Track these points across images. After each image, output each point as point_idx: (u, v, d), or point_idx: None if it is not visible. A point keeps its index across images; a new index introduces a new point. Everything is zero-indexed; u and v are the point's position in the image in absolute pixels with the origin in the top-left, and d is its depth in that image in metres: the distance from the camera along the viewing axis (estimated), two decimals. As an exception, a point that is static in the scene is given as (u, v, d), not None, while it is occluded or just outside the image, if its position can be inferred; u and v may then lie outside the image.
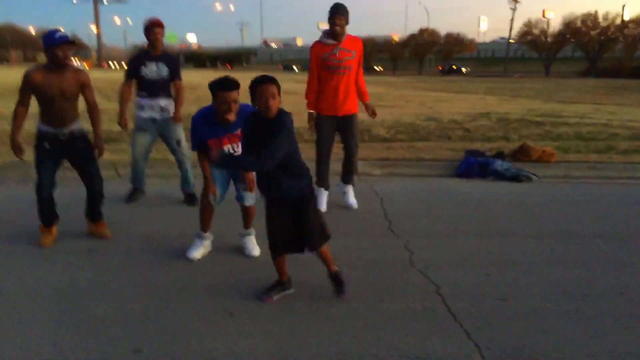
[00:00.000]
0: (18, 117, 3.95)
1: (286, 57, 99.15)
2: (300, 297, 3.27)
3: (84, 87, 4.04)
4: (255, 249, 3.97)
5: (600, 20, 60.10)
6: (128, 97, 5.18)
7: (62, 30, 3.92)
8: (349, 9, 4.77)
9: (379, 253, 4.03)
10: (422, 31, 74.81)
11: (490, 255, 4.01)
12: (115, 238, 4.27)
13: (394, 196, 5.79)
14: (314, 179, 4.09)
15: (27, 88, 3.87)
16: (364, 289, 3.39)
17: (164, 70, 5.05)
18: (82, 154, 4.16)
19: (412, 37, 75.14)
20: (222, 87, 3.34)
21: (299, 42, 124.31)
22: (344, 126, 5.02)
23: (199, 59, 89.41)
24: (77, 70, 4.06)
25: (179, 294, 3.29)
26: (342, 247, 4.08)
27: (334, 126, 5.02)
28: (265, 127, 2.89)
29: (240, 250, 3.98)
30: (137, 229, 4.53)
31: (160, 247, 4.10)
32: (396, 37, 79.62)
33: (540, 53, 64.12)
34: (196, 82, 16.46)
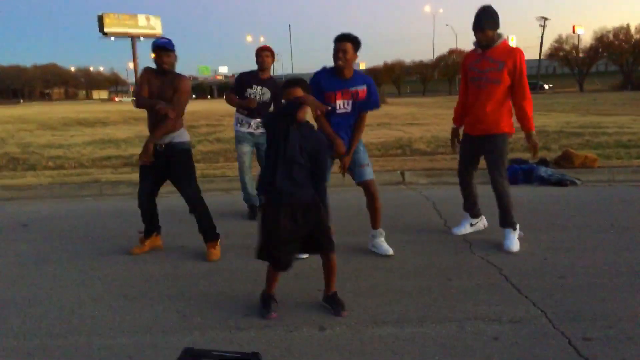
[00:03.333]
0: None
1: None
2: (375, 276, 3.66)
3: (175, 90, 4.09)
4: (390, 249, 4.17)
5: (633, 32, 59.40)
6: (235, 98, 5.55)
7: (165, 39, 4.16)
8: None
9: (440, 244, 4.41)
10: (451, 52, 75.25)
11: (544, 244, 4.32)
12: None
13: (445, 200, 6.13)
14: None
15: (143, 81, 4.13)
16: (432, 271, 3.78)
17: (267, 95, 5.44)
18: (176, 170, 4.20)
19: (441, 58, 75.59)
20: (336, 39, 3.91)
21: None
22: (481, 149, 4.41)
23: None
24: (178, 76, 4.15)
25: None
26: (405, 241, 4.48)
27: (472, 147, 4.48)
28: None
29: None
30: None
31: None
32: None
33: (572, 69, 63.57)
34: (233, 110, 17.17)
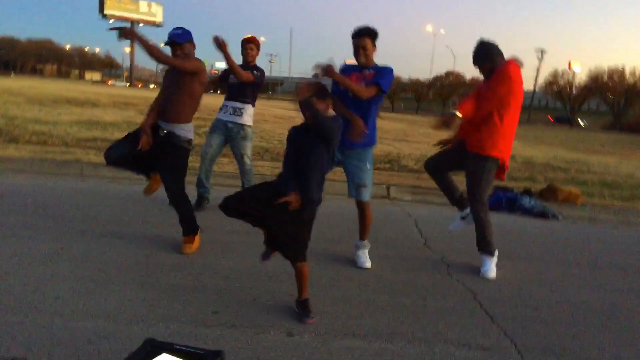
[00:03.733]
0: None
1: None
2: (349, 287, 3.62)
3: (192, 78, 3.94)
4: (368, 262, 4.12)
5: (627, 75, 60.49)
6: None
7: (178, 29, 3.94)
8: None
9: (418, 263, 4.38)
10: (448, 74, 75.89)
11: (522, 274, 4.31)
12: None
13: (427, 219, 6.11)
14: None
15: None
16: (407, 288, 3.74)
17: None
18: (167, 161, 3.99)
19: (438, 78, 76.19)
20: (354, 35, 3.87)
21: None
22: (468, 165, 4.29)
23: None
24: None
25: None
26: (383, 255, 4.45)
27: (461, 154, 4.31)
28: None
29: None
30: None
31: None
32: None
33: (564, 104, 64.47)
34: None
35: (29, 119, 13.06)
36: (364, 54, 3.84)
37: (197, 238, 4.18)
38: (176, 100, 3.95)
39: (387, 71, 3.91)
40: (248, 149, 5.59)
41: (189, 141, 4.07)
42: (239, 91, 5.45)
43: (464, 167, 4.31)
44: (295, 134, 3.07)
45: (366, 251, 4.20)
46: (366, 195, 4.06)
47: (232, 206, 3.07)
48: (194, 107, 4.08)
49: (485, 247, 4.25)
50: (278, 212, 2.94)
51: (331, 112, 3.07)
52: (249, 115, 5.53)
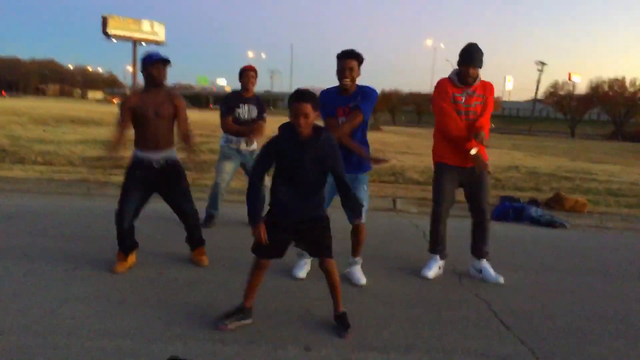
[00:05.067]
0: (118, 132, 3.92)
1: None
2: (363, 301, 3.62)
3: (177, 111, 4.00)
4: (363, 278, 4.07)
5: (628, 85, 60.60)
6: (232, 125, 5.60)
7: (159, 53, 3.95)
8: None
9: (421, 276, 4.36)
10: (448, 87, 76.00)
11: (534, 284, 4.31)
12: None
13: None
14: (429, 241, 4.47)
15: (125, 111, 3.87)
16: (421, 301, 3.74)
17: (254, 112, 5.59)
18: (175, 186, 4.08)
19: (438, 92, 76.37)
20: (340, 56, 3.84)
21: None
22: (472, 179, 4.30)
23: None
24: (173, 93, 4.07)
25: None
26: (394, 268, 4.45)
27: (460, 178, 4.34)
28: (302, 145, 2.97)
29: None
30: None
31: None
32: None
33: (565, 114, 64.57)
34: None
35: (34, 139, 13.16)
36: (350, 76, 3.82)
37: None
38: (167, 129, 4.02)
39: (371, 95, 3.93)
40: None
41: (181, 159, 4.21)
42: (249, 126, 5.58)
43: (466, 189, 4.38)
44: (288, 148, 2.97)
45: (359, 267, 4.17)
46: (363, 216, 4.02)
47: (266, 254, 3.14)
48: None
49: (483, 251, 4.41)
50: (307, 230, 3.09)
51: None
52: (256, 142, 5.73)
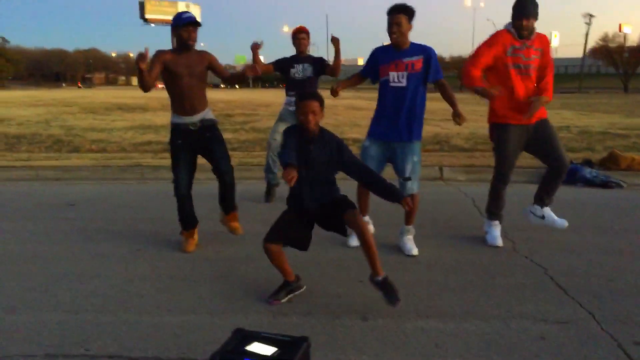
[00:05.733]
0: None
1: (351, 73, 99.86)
2: (417, 270, 3.65)
3: (211, 64, 4.06)
4: (414, 248, 4.03)
5: (684, 33, 57.09)
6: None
7: (190, 13, 3.99)
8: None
9: (482, 242, 4.34)
10: (490, 48, 73.59)
11: (590, 246, 4.23)
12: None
13: (484, 197, 6.00)
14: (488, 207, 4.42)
15: (156, 60, 3.89)
16: (474, 268, 3.74)
17: (309, 70, 5.54)
18: (212, 144, 4.09)
19: (480, 54, 74.12)
20: (389, 12, 3.83)
21: (360, 62, 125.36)
22: (537, 136, 4.12)
23: (269, 79, 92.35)
24: (202, 52, 4.09)
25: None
26: (445, 236, 4.47)
27: (526, 137, 4.16)
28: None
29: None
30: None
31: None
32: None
33: (617, 68, 61.62)
34: (269, 100, 17.20)
35: (86, 128, 13.65)
36: (398, 31, 3.78)
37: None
38: (200, 90, 4.08)
39: (433, 60, 3.90)
40: None
41: (217, 120, 4.27)
42: (306, 86, 5.51)
43: (535, 147, 4.19)
44: (299, 146, 3.00)
45: (412, 237, 4.14)
46: (412, 187, 4.00)
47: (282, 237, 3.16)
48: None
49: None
50: (328, 211, 3.11)
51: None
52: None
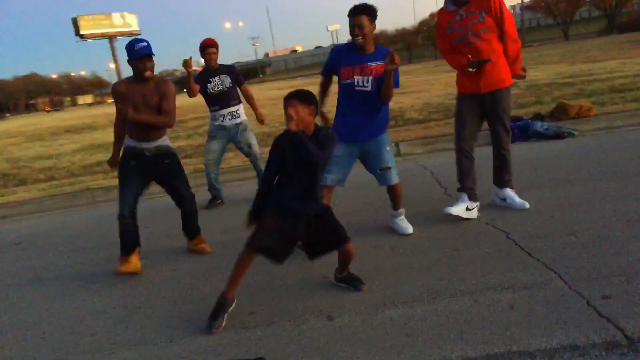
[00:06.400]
0: (116, 132, 3.99)
1: (301, 63, 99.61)
2: (380, 255, 3.55)
3: (161, 96, 3.86)
4: (409, 227, 4.00)
5: (614, -25, 58.58)
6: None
7: (143, 41, 3.77)
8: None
9: (443, 214, 4.26)
10: (432, 16, 74.34)
11: (549, 201, 4.21)
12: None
13: (442, 168, 5.99)
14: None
15: (116, 98, 3.81)
16: (438, 243, 3.66)
17: (227, 80, 5.49)
18: (169, 171, 4.02)
19: (423, 22, 74.73)
20: (350, 13, 3.63)
21: (299, 49, 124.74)
22: (490, 105, 4.05)
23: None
24: (161, 81, 3.95)
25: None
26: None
27: (478, 108, 4.10)
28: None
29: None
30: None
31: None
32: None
33: (556, 19, 62.88)
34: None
35: (33, 157, 13.11)
36: (361, 34, 3.61)
37: None
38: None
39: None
40: (252, 138, 5.70)
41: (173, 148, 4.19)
42: (227, 97, 5.53)
43: (486, 117, 4.14)
44: (288, 145, 2.86)
45: (403, 217, 4.09)
46: (394, 176, 3.91)
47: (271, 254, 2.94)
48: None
49: (506, 180, 4.31)
50: (316, 227, 2.97)
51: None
52: (243, 112, 5.68)
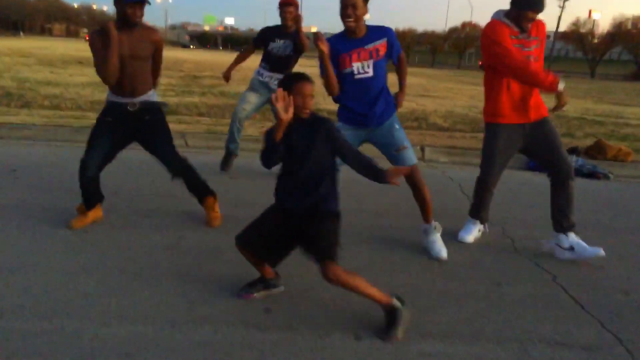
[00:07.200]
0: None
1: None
2: (410, 270, 3.19)
3: (156, 48, 3.61)
4: (443, 250, 3.50)
5: (652, 23, 58.13)
6: (244, 58, 5.48)
7: None
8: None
9: (479, 240, 3.90)
10: (464, 25, 73.58)
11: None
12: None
13: (470, 183, 5.58)
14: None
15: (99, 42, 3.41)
16: (477, 272, 3.30)
17: (289, 48, 5.18)
18: (153, 129, 3.65)
19: (453, 30, 73.99)
20: None
21: (313, 29, 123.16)
22: (542, 133, 3.59)
23: (236, 41, 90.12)
24: (150, 29, 3.60)
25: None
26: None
27: (519, 141, 3.67)
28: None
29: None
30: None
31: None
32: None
33: (586, 54, 62.41)
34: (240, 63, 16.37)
35: (40, 81, 12.62)
36: (354, 14, 3.22)
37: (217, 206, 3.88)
38: (144, 71, 3.59)
39: (393, 39, 3.46)
40: None
41: (164, 104, 3.82)
42: (285, 64, 5.23)
43: (535, 146, 3.65)
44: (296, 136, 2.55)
45: (439, 236, 3.59)
46: (411, 157, 3.53)
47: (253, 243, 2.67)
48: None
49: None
50: (307, 218, 2.58)
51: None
52: None
